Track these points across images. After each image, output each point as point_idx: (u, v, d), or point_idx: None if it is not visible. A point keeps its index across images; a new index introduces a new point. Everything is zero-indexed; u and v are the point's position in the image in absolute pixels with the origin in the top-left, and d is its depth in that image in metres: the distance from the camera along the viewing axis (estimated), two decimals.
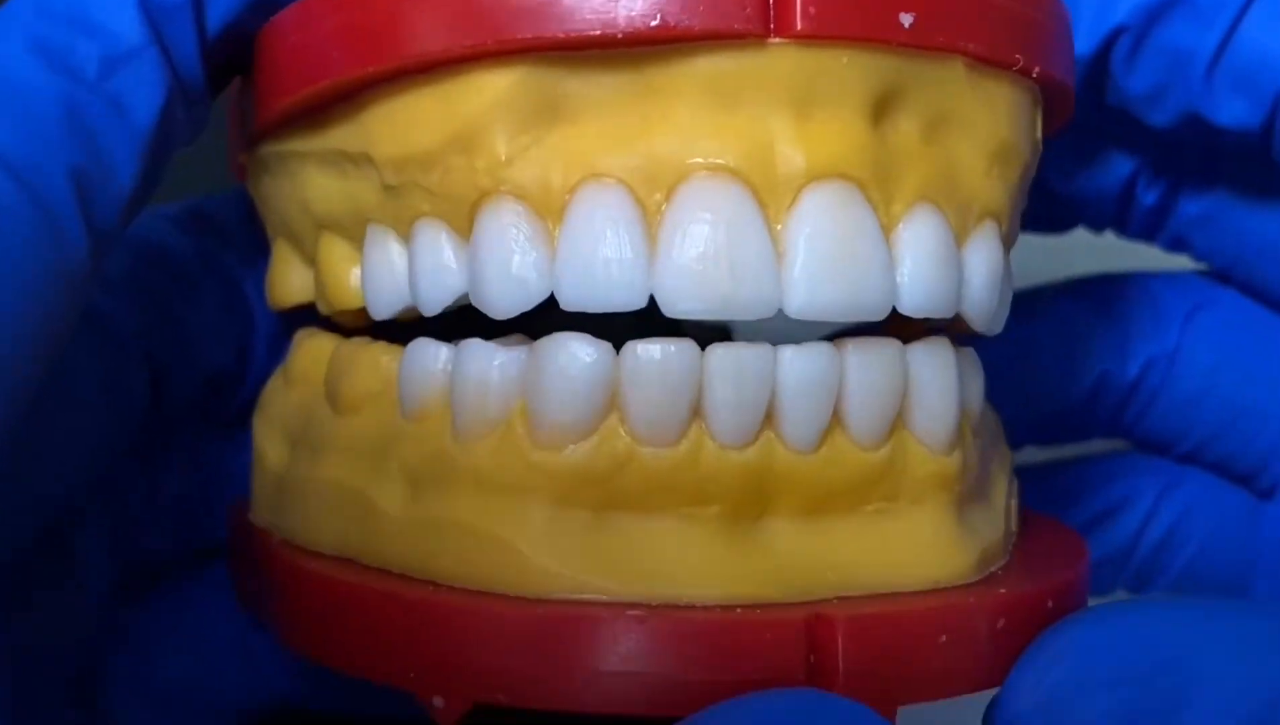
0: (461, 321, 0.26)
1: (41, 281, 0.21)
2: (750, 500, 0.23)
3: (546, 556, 0.22)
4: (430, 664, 0.22)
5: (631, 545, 0.22)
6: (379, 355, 0.25)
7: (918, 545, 0.23)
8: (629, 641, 0.21)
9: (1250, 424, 0.33)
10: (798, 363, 0.22)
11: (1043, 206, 0.32)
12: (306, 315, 0.29)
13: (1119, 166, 0.32)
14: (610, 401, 0.22)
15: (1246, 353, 0.33)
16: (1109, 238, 0.34)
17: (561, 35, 0.21)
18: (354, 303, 0.26)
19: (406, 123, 0.23)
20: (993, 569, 0.25)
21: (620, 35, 0.21)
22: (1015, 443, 0.31)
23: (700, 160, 0.22)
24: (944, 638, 0.22)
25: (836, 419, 0.23)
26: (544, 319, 0.25)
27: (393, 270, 0.25)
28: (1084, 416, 0.34)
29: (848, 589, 0.23)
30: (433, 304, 0.24)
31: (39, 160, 0.22)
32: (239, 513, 0.28)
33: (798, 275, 0.22)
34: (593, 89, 0.22)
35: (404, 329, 0.26)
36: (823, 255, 0.22)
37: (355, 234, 0.25)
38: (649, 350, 0.22)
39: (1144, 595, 0.35)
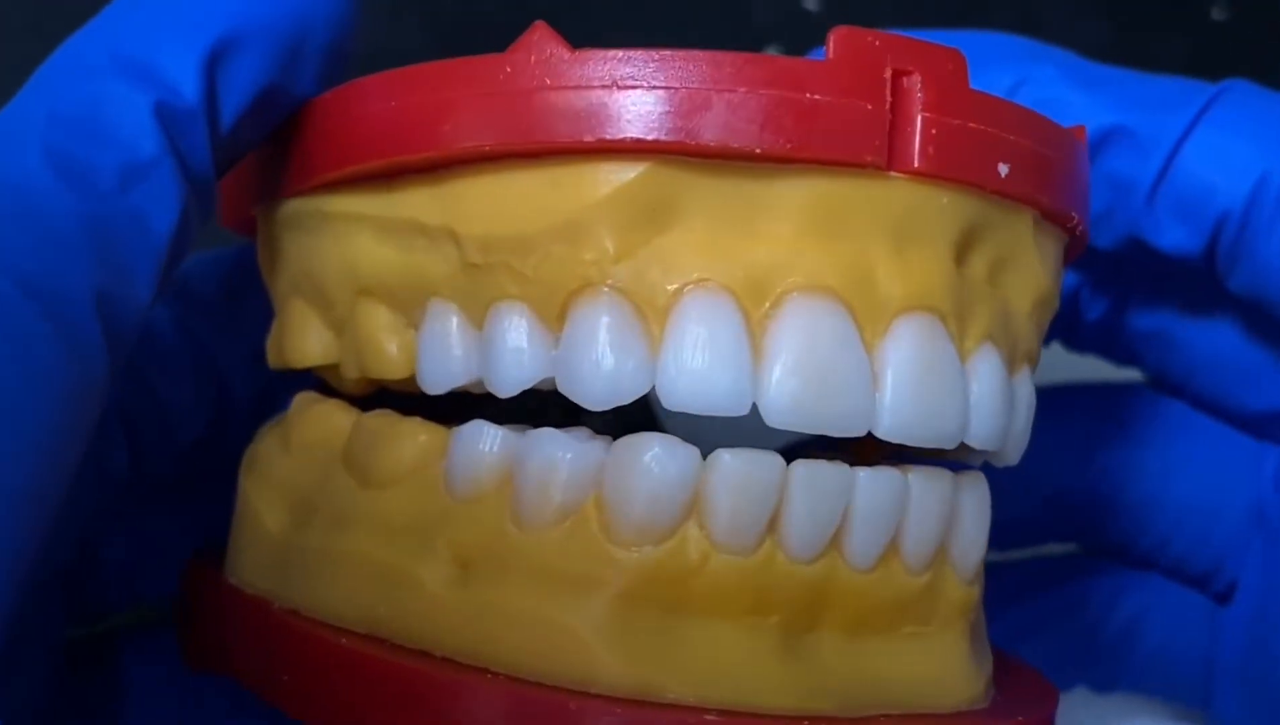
0: (458, 403, 0.26)
1: (64, 403, 0.21)
2: (806, 613, 0.23)
3: (610, 649, 0.22)
4: None
5: (694, 648, 0.23)
6: (417, 432, 0.25)
7: (944, 669, 0.24)
8: None
9: (1201, 528, 0.34)
10: (872, 484, 0.23)
11: None
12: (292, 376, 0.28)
13: (1064, 285, 0.33)
14: (691, 505, 0.22)
15: (1196, 460, 0.34)
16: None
17: (694, 144, 0.22)
18: (392, 373, 0.25)
19: (508, 204, 0.23)
20: (992, 696, 0.26)
21: (757, 151, 0.22)
22: None
23: (804, 278, 0.23)
24: None
25: (893, 542, 0.24)
26: (530, 405, 0.25)
27: (450, 348, 0.24)
28: (1042, 524, 0.35)
29: (887, 707, 0.23)
30: (510, 385, 0.23)
31: (63, 284, 0.21)
32: (204, 572, 0.27)
33: (889, 398, 0.23)
34: (707, 196, 0.23)
35: (416, 401, 0.26)
36: (912, 382, 0.23)
37: (406, 305, 0.25)
38: (737, 460, 0.22)
39: (1109, 694, 0.36)
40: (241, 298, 0.29)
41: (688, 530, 0.22)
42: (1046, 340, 0.34)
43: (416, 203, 0.24)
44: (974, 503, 0.25)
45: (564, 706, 0.22)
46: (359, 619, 0.24)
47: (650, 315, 0.23)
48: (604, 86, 0.22)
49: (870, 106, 0.22)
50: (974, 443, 0.24)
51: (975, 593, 0.25)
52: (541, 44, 0.22)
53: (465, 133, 0.23)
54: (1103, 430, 0.35)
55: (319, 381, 0.28)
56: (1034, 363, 0.26)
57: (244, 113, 0.24)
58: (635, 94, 0.22)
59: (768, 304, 0.23)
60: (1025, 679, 0.28)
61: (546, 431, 0.23)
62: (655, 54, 0.22)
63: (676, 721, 0.22)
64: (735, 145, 0.22)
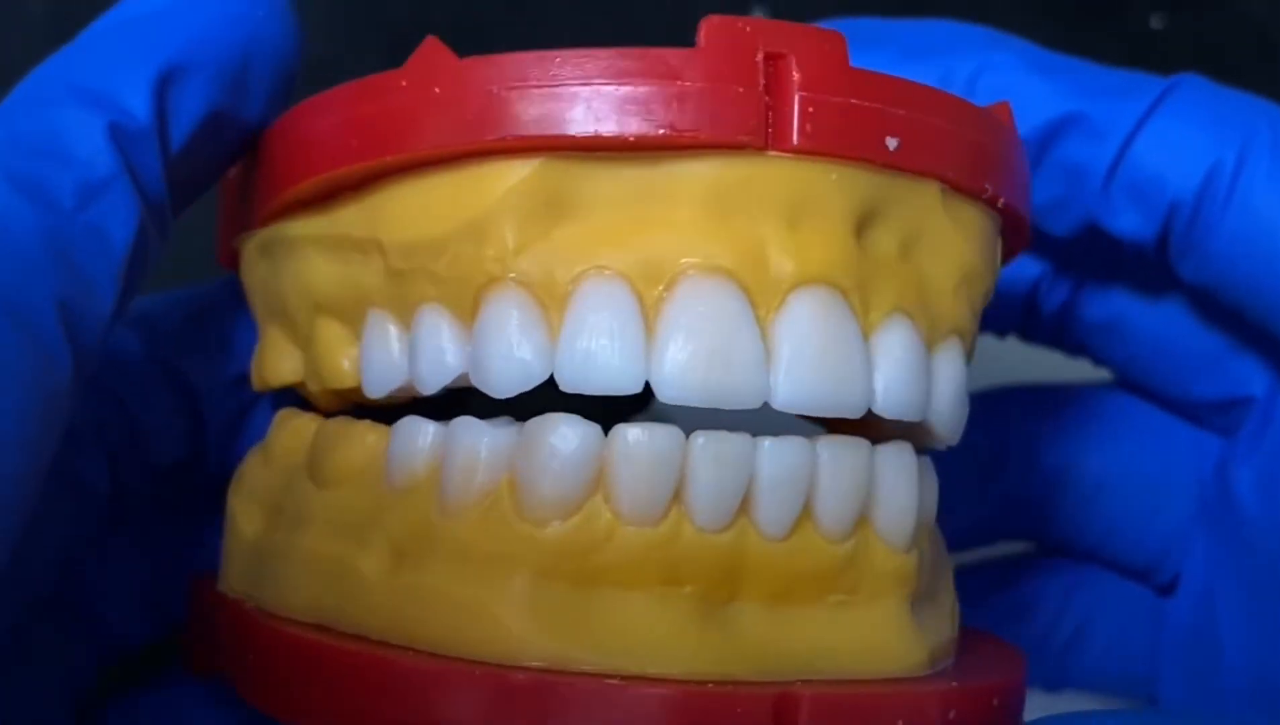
0: (437, 405, 0.27)
1: (33, 407, 0.22)
2: (722, 583, 0.24)
3: (526, 625, 0.23)
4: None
5: (607, 619, 0.23)
6: (365, 433, 0.26)
7: (875, 637, 0.25)
8: (602, 710, 0.22)
9: (1144, 522, 0.35)
10: (776, 453, 0.23)
11: None
12: (283, 396, 0.30)
13: (1024, 276, 0.35)
14: (596, 480, 0.23)
15: (1137, 455, 0.35)
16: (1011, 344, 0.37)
17: (576, 136, 0.23)
18: (346, 383, 0.27)
19: (419, 210, 0.24)
20: (941, 667, 0.26)
21: (631, 139, 0.23)
22: None
23: (698, 260, 0.23)
24: (900, 723, 0.23)
25: (806, 510, 0.24)
26: (522, 401, 0.26)
27: (390, 353, 0.26)
28: (994, 524, 0.36)
29: (809, 674, 0.24)
30: (432, 383, 0.25)
31: (26, 292, 0.22)
32: (203, 585, 0.29)
33: (784, 371, 0.23)
34: (600, 187, 0.24)
35: (382, 413, 0.27)
36: (807, 353, 0.23)
37: (352, 317, 0.27)
38: (637, 434, 0.23)
39: (1058, 692, 0.36)
40: (208, 326, 0.31)
41: (594, 505, 0.23)
42: (1002, 332, 0.36)
43: (349, 218, 0.26)
44: (897, 472, 0.25)
45: (469, 678, 0.23)
46: (309, 610, 0.25)
47: (550, 304, 0.24)
48: (489, 91, 0.23)
49: (742, 90, 0.23)
50: (884, 412, 0.24)
51: (911, 562, 0.25)
52: (431, 56, 0.24)
53: (374, 147, 0.24)
54: (1045, 428, 0.35)
55: (304, 400, 0.30)
56: (966, 337, 0.26)
57: (194, 134, 0.26)
58: (517, 95, 0.23)
59: (661, 287, 0.24)
60: (992, 651, 0.28)
61: (465, 420, 0.24)
62: (534, 55, 0.23)
63: (570, 685, 0.22)
64: (612, 136, 0.23)
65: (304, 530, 0.26)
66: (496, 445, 0.24)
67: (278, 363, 0.29)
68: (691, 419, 0.24)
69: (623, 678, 0.23)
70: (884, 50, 0.32)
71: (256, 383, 0.29)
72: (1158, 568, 0.36)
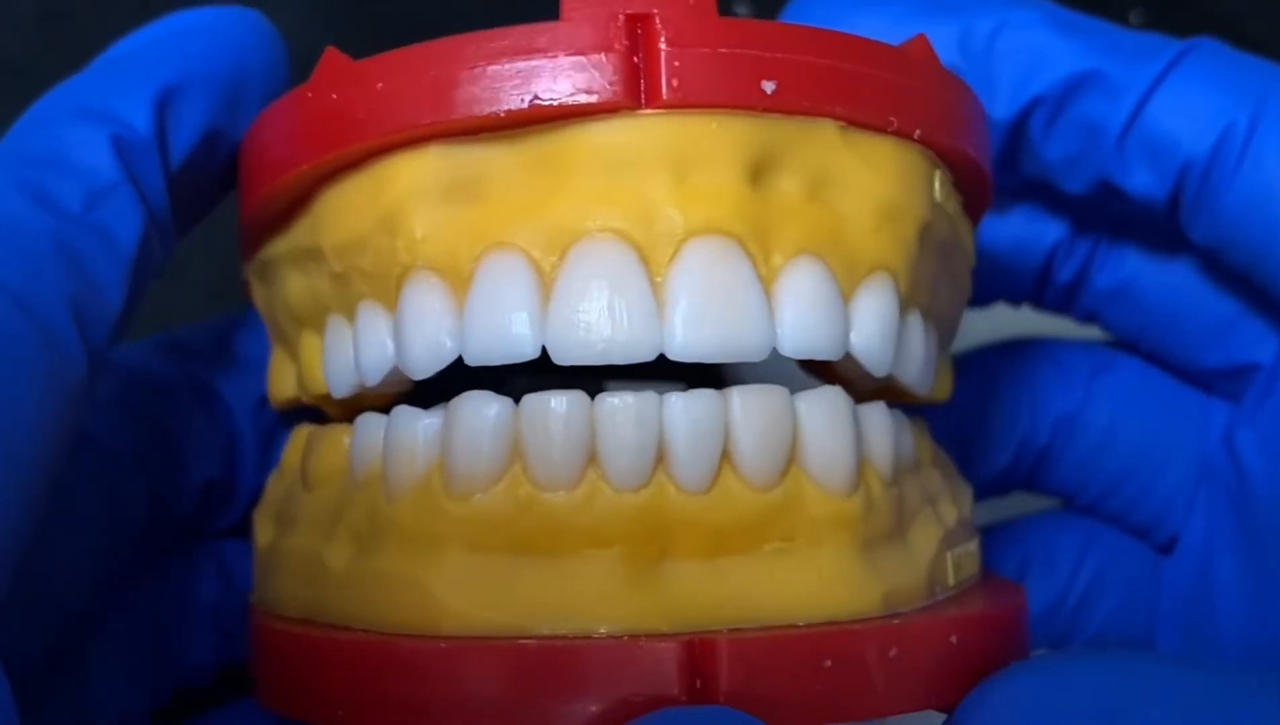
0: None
1: (48, 396, 0.24)
2: (649, 541, 0.24)
3: (457, 598, 0.24)
4: (361, 703, 0.24)
5: (536, 586, 0.24)
6: (341, 435, 0.27)
7: (815, 583, 0.24)
8: (511, 671, 0.23)
9: (1145, 478, 0.36)
10: (683, 408, 0.24)
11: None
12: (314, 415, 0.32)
13: (1040, 245, 0.35)
14: (513, 451, 0.24)
15: (1144, 412, 0.36)
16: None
17: (457, 120, 0.24)
18: (321, 389, 0.28)
19: (344, 212, 0.26)
20: (903, 609, 0.25)
21: (504, 116, 0.24)
22: None
23: (592, 224, 0.24)
24: (829, 663, 0.23)
25: (728, 461, 0.24)
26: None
27: (345, 353, 0.27)
28: (1011, 473, 0.36)
29: (748, 624, 0.24)
30: (373, 376, 0.26)
31: (37, 288, 0.24)
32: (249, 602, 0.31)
33: (676, 321, 0.24)
34: (495, 166, 0.24)
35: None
36: (699, 302, 0.24)
37: (319, 325, 0.28)
38: (542, 401, 0.24)
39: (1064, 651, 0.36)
40: (238, 348, 0.33)
41: (513, 475, 0.24)
42: (1016, 301, 0.36)
43: (301, 231, 0.27)
44: (823, 417, 0.25)
45: (403, 652, 0.24)
46: (296, 607, 0.27)
47: (457, 285, 0.25)
48: (376, 89, 0.24)
49: (605, 54, 0.23)
50: (792, 353, 0.24)
51: (853, 505, 0.25)
52: (328, 65, 0.25)
53: (292, 159, 0.26)
54: (1058, 377, 0.36)
55: (320, 414, 0.31)
56: (900, 273, 0.26)
57: (193, 150, 0.28)
58: (401, 88, 0.24)
59: (558, 255, 0.24)
60: (988, 599, 0.27)
61: (401, 409, 0.25)
62: (416, 48, 0.24)
63: (485, 649, 0.23)
64: (488, 116, 0.24)
65: (293, 532, 0.28)
66: (430, 430, 0.25)
67: (282, 379, 0.30)
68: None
69: (538, 639, 0.23)
70: (902, 5, 0.32)
71: (271, 401, 0.31)
72: (1158, 526, 0.36)
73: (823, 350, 0.25)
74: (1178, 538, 0.36)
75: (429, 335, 0.25)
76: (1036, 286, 0.36)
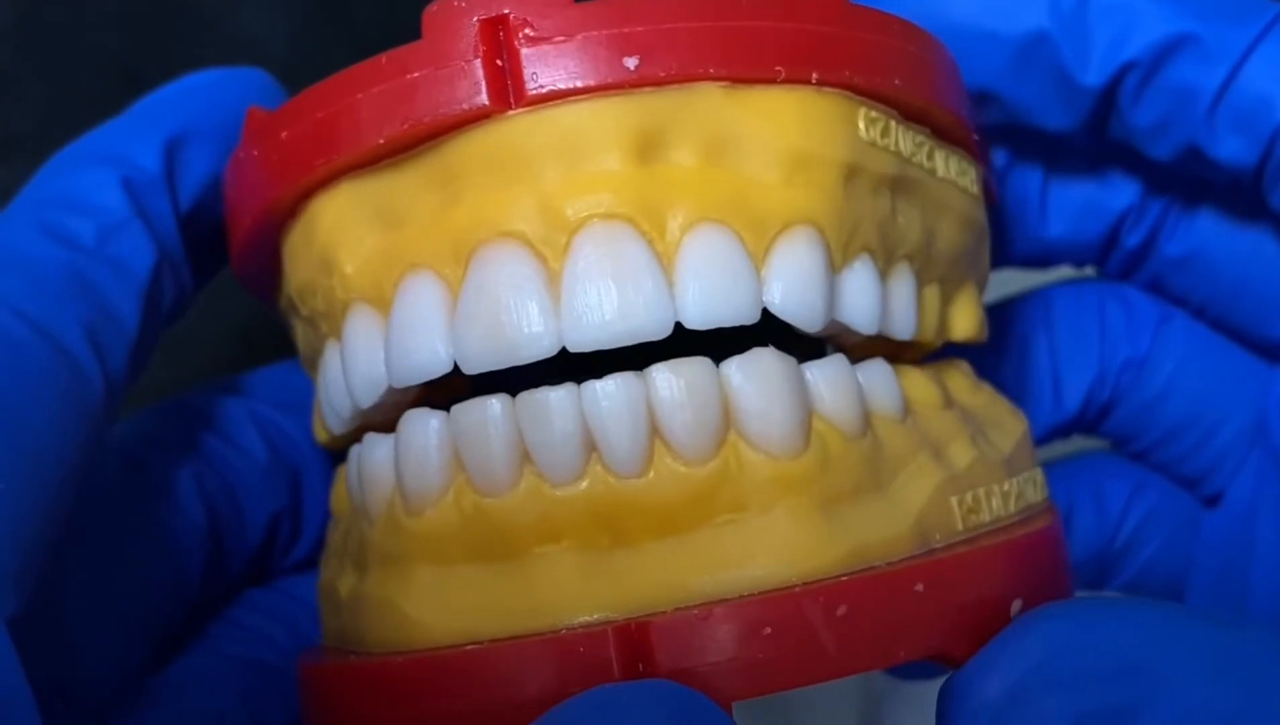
0: None
1: (64, 410, 0.25)
2: (597, 530, 0.24)
3: (423, 612, 0.25)
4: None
5: (497, 590, 0.24)
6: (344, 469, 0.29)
7: (771, 549, 0.24)
8: (461, 678, 0.23)
9: (1202, 432, 0.35)
10: (600, 395, 0.24)
11: (1030, 248, 0.35)
12: None
13: (1109, 210, 0.34)
14: (455, 463, 0.25)
15: (1206, 366, 0.35)
16: None
17: (346, 156, 0.25)
18: (324, 433, 0.29)
19: (295, 259, 0.27)
20: (876, 564, 0.24)
21: (384, 142, 0.24)
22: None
23: (486, 232, 0.24)
24: (767, 630, 0.23)
25: (660, 439, 0.24)
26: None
27: (331, 389, 0.28)
28: (1075, 419, 0.36)
29: (711, 599, 0.23)
30: (341, 410, 0.27)
31: (54, 316, 0.26)
32: None
33: (568, 313, 0.24)
34: (404, 190, 0.25)
35: None
36: (592, 290, 0.24)
37: (317, 367, 0.29)
38: (470, 410, 0.24)
39: (1097, 594, 0.36)
40: (300, 388, 0.34)
41: (458, 486, 0.25)
42: (1080, 264, 0.36)
43: (283, 281, 0.28)
44: (754, 380, 0.24)
45: (375, 671, 0.24)
46: (327, 637, 0.28)
47: (384, 312, 0.25)
48: (281, 138, 0.25)
49: (463, 62, 0.24)
50: (699, 323, 0.24)
51: (802, 464, 0.24)
52: (248, 121, 0.26)
53: (243, 215, 0.27)
54: (1126, 321, 0.35)
55: None
56: (825, 223, 0.25)
57: (202, 193, 0.30)
58: (299, 133, 0.25)
59: (461, 268, 0.25)
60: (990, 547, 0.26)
61: (369, 437, 0.26)
62: (308, 91, 0.25)
63: (438, 660, 0.24)
64: (373, 147, 0.24)
65: (326, 567, 0.29)
66: (390, 453, 0.26)
67: (318, 422, 0.32)
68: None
69: (491, 641, 0.23)
70: None
71: (317, 441, 0.32)
72: (1205, 480, 0.35)
73: (732, 316, 0.24)
74: (1223, 494, 0.35)
75: (363, 365, 0.26)
76: (1102, 250, 0.35)
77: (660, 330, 0.24)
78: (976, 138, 0.29)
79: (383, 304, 0.25)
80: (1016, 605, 0.25)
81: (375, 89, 0.24)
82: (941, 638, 0.24)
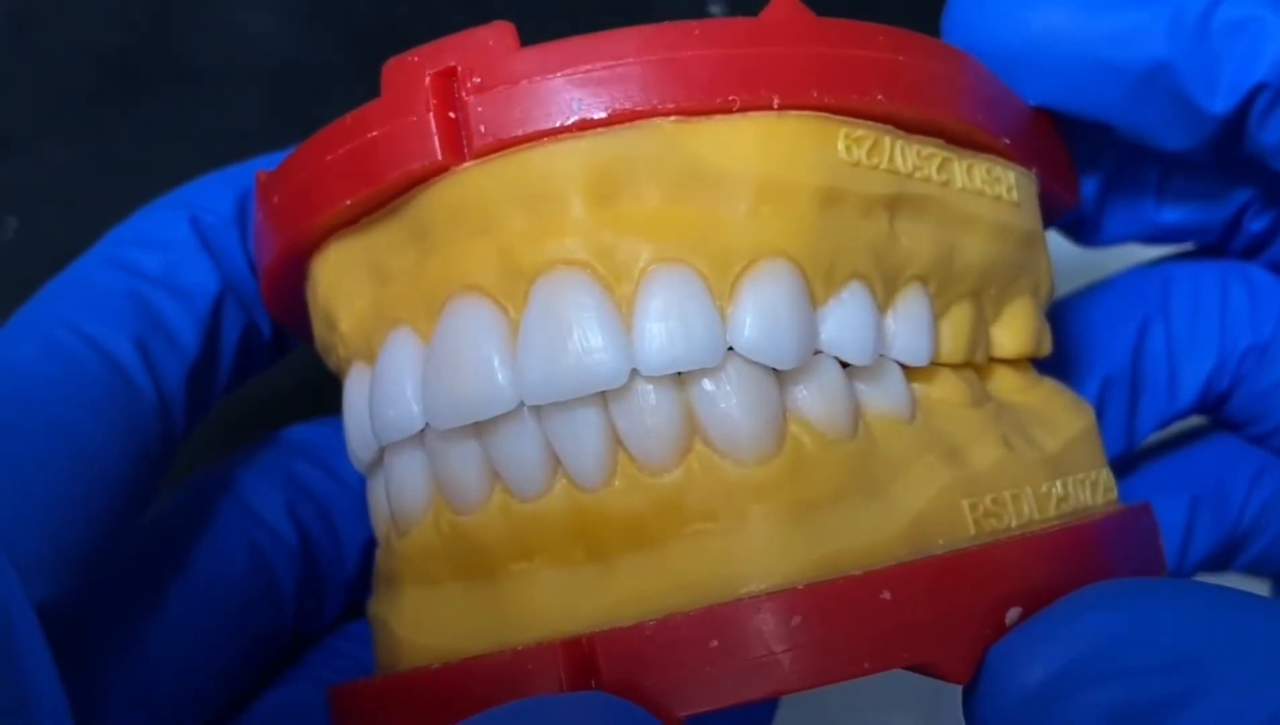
0: None
1: (116, 420, 0.26)
2: (571, 543, 0.24)
3: (409, 632, 0.26)
4: None
5: (477, 608, 0.25)
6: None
7: (739, 558, 0.24)
8: (419, 698, 0.24)
9: None
10: (557, 412, 0.24)
11: (1154, 229, 0.35)
12: None
13: (1231, 202, 0.34)
14: (432, 487, 0.26)
15: None
16: None
17: (329, 215, 0.26)
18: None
19: (313, 319, 0.29)
20: (853, 570, 0.24)
21: (350, 204, 0.25)
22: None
23: (453, 286, 0.25)
24: (715, 642, 0.22)
25: (622, 450, 0.24)
26: None
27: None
28: (1191, 409, 0.35)
29: (675, 611, 0.23)
30: (355, 462, 0.28)
31: (106, 329, 0.27)
32: None
33: (523, 366, 0.24)
34: (387, 246, 0.26)
35: None
36: (547, 343, 0.24)
37: None
38: (437, 438, 0.25)
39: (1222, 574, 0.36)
40: None
41: (436, 506, 0.26)
42: (1201, 245, 0.36)
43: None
44: (718, 383, 0.24)
45: (353, 694, 0.26)
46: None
47: (372, 367, 0.27)
48: (274, 202, 0.27)
49: (415, 117, 0.24)
50: (652, 369, 0.24)
51: (771, 470, 0.24)
52: (257, 184, 0.28)
53: (262, 272, 0.29)
54: (1248, 307, 0.35)
55: None
56: (802, 256, 0.25)
57: None
58: (286, 198, 0.27)
59: (433, 323, 0.25)
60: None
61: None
62: (292, 153, 0.26)
63: (413, 678, 0.25)
64: (346, 206, 0.25)
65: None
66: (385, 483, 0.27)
67: None
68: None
69: (461, 661, 0.24)
70: None
71: None
72: None
73: (692, 359, 0.24)
74: None
75: (356, 422, 0.27)
76: (1223, 236, 0.35)
77: (615, 379, 0.24)
78: (1008, 142, 0.28)
79: (373, 360, 0.26)
80: (1013, 614, 0.24)
81: (342, 149, 0.25)
82: (917, 649, 0.23)
